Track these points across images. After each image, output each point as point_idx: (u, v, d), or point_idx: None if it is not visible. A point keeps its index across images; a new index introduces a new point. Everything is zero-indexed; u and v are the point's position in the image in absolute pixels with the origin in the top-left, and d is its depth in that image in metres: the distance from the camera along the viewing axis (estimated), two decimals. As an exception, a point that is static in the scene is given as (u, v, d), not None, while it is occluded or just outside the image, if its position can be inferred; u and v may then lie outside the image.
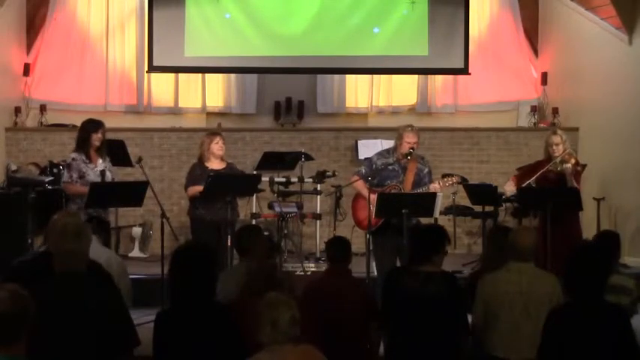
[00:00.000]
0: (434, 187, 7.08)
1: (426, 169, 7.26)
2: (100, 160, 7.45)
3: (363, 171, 7.26)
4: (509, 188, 8.00)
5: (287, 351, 3.62)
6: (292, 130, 10.82)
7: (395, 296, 4.86)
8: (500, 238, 5.18)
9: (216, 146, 7.84)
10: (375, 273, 7.47)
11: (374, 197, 6.92)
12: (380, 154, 7.39)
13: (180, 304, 4.05)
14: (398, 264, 6.92)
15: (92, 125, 7.49)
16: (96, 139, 7.40)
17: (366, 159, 8.09)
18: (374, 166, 7.21)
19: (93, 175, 7.32)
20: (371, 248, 7.21)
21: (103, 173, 7.33)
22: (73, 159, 7.40)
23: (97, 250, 4.98)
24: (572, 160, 7.59)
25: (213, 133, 8.21)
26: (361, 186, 7.20)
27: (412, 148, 7.13)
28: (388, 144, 9.80)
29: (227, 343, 3.99)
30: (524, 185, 7.71)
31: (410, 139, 7.12)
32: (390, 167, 7.17)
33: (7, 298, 3.11)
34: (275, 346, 3.62)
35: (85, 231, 4.04)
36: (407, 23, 10.62)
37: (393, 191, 7.09)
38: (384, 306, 4.95)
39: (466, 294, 5.04)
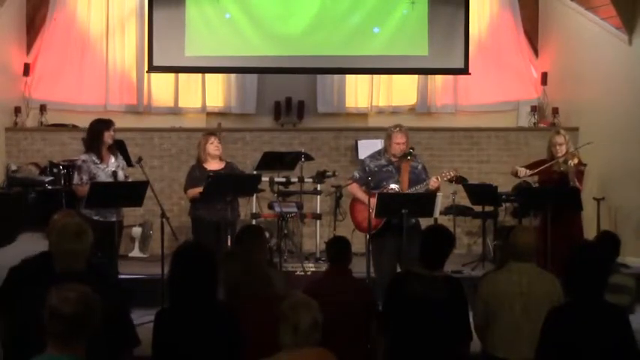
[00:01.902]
0: (432, 183, 7.05)
1: (420, 165, 7.24)
2: (113, 159, 7.44)
3: (357, 175, 7.26)
4: (522, 170, 7.84)
5: (304, 353, 3.59)
6: (292, 130, 10.82)
7: (399, 299, 4.84)
8: None
9: (212, 146, 7.84)
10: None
11: (374, 201, 6.90)
12: (372, 156, 7.36)
13: (180, 304, 4.05)
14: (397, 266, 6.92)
15: (104, 124, 7.50)
16: (108, 137, 7.41)
17: (359, 162, 8.07)
18: (367, 169, 7.18)
19: (104, 176, 7.31)
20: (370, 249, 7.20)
21: (114, 174, 7.32)
22: (83, 161, 7.37)
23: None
24: (575, 160, 7.60)
25: (208, 133, 8.21)
26: (356, 189, 7.20)
27: (412, 148, 7.13)
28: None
29: (227, 342, 4.00)
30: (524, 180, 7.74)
31: (399, 139, 7.10)
32: (384, 169, 7.15)
33: (75, 299, 3.13)
34: (294, 348, 3.59)
35: (85, 231, 4.04)
36: (407, 23, 10.62)
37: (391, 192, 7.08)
38: (387, 308, 4.94)
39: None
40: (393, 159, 7.13)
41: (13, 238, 5.31)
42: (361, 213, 7.10)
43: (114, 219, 7.17)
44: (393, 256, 6.93)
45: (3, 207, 8.57)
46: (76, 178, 7.40)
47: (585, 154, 8.19)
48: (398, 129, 7.17)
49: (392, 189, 7.06)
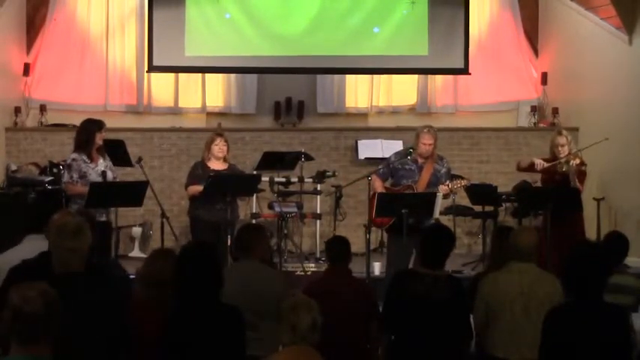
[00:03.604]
0: (442, 188, 7.09)
1: (444, 169, 7.29)
2: (101, 160, 7.44)
3: (381, 171, 7.33)
4: (539, 163, 7.78)
5: (289, 352, 3.59)
6: (292, 130, 10.81)
7: (401, 299, 4.83)
8: (504, 238, 5.17)
9: (216, 148, 7.83)
10: (376, 272, 7.48)
11: None
12: (398, 153, 7.47)
13: (186, 304, 4.04)
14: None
15: (96, 125, 7.48)
16: (100, 138, 7.40)
17: (384, 159, 8.14)
18: (391, 165, 7.26)
19: (94, 175, 7.31)
20: (373, 247, 7.20)
21: (104, 174, 7.32)
22: (74, 159, 7.37)
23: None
24: (577, 160, 7.59)
25: (216, 133, 8.18)
26: (379, 186, 7.24)
27: (412, 148, 7.15)
28: (388, 144, 9.84)
29: (233, 343, 4.00)
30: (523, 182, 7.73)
31: (426, 140, 7.17)
32: (407, 167, 7.23)
33: (36, 297, 3.10)
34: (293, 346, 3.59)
35: (84, 230, 4.03)
36: (407, 23, 10.62)
37: (407, 191, 7.11)
38: (387, 307, 4.94)
39: (470, 295, 5.04)
40: (419, 159, 7.17)
41: (18, 240, 5.28)
42: None
43: (103, 219, 7.15)
44: (406, 254, 6.92)
45: (5, 208, 8.56)
46: (66, 177, 7.40)
47: (585, 153, 8.18)
48: (427, 130, 7.26)
49: (407, 184, 7.12)
